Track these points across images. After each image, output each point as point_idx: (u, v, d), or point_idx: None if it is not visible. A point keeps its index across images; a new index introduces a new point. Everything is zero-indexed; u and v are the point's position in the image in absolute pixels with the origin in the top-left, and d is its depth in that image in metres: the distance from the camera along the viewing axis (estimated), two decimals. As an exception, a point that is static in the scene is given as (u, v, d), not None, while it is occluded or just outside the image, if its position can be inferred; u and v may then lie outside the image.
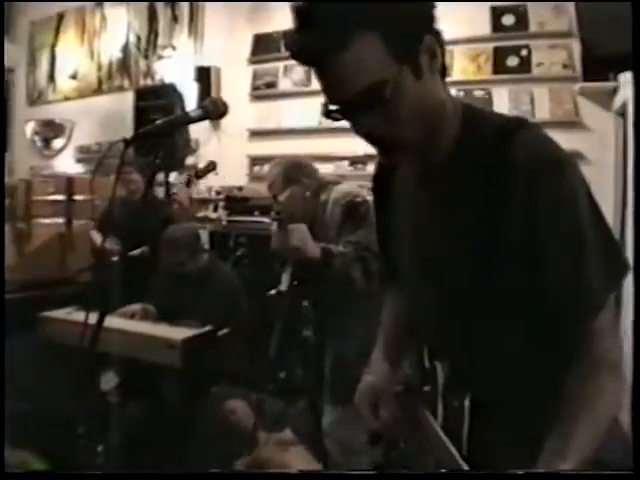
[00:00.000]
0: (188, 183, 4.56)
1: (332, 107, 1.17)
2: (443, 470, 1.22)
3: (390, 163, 1.40)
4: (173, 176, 5.66)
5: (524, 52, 5.41)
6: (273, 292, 2.45)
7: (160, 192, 5.02)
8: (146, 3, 7.53)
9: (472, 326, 1.25)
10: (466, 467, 1.14)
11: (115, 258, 3.27)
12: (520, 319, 1.19)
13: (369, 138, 1.18)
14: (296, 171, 2.94)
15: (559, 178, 1.11)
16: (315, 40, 1.08)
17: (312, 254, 2.52)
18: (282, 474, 1.77)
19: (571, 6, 5.20)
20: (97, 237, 4.34)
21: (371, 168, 5.53)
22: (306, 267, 2.51)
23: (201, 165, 4.76)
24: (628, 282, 1.34)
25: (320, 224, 2.82)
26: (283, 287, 2.44)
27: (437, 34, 1.15)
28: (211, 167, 4.58)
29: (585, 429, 1.08)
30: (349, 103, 1.12)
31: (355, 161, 5.73)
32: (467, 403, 1.24)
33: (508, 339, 1.21)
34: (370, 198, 1.98)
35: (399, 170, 1.42)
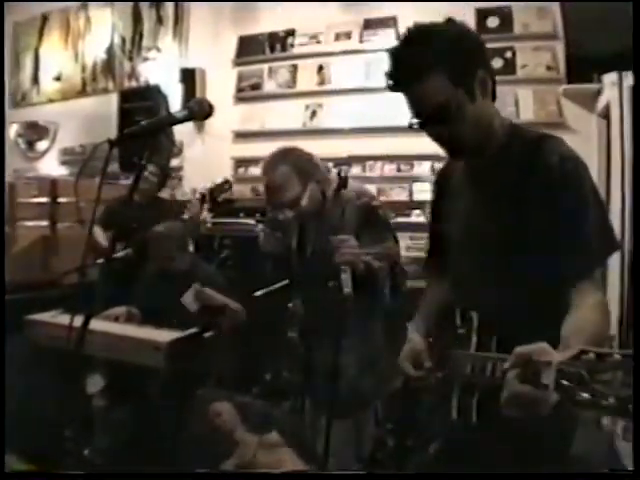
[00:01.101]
0: (203, 199, 4.53)
1: (414, 121, 1.62)
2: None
3: (454, 159, 1.81)
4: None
5: (508, 54, 5.45)
6: (344, 294, 2.28)
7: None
8: (131, 5, 7.52)
9: (501, 283, 1.65)
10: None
11: (100, 260, 3.25)
12: (534, 283, 1.58)
13: (438, 141, 1.64)
14: (308, 164, 2.61)
15: (573, 170, 1.55)
16: (405, 76, 1.57)
17: (358, 270, 2.33)
18: (276, 474, 1.79)
19: (556, 8, 5.24)
20: (102, 236, 4.27)
21: (355, 170, 5.51)
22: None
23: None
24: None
25: (326, 222, 2.56)
26: (347, 289, 2.23)
27: (488, 67, 1.63)
28: (227, 186, 4.54)
29: (582, 331, 1.41)
30: (427, 117, 1.59)
31: (339, 163, 5.74)
32: (494, 341, 1.61)
33: (525, 298, 1.60)
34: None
35: (457, 169, 1.85)
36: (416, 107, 1.60)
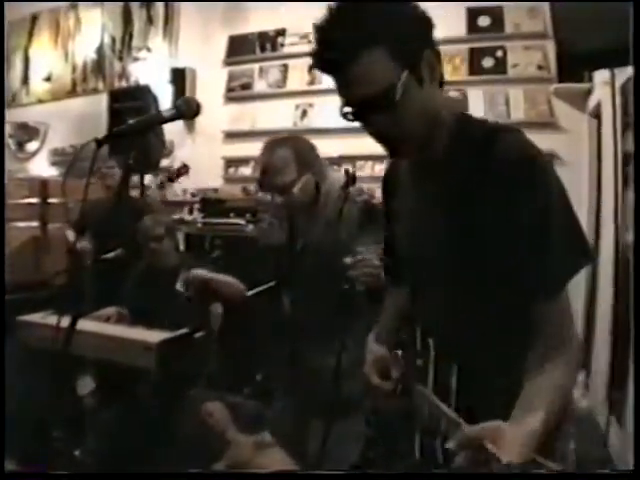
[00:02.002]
0: (161, 186, 4.53)
1: (347, 109, 1.36)
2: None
3: (396, 157, 1.61)
4: (148, 178, 5.64)
5: (499, 53, 5.46)
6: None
7: (135, 194, 4.99)
8: (120, 5, 7.50)
9: (458, 307, 1.45)
10: (460, 420, 1.25)
11: (89, 261, 3.25)
12: (495, 301, 1.38)
13: (377, 136, 1.38)
14: (310, 154, 2.54)
15: (534, 172, 1.30)
16: (334, 53, 1.29)
17: (376, 286, 2.16)
18: (270, 474, 1.77)
19: (546, 7, 5.25)
20: (71, 236, 4.30)
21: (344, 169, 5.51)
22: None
23: (176, 167, 4.70)
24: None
25: (321, 214, 2.51)
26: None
27: (435, 50, 1.38)
28: (183, 170, 4.54)
29: (547, 389, 1.27)
30: (363, 105, 1.32)
31: (330, 162, 5.74)
32: (455, 370, 1.42)
33: (485, 318, 1.40)
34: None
35: (403, 169, 1.63)
36: (351, 93, 1.32)
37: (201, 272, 3.39)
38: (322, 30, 1.32)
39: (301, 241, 2.63)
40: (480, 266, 1.37)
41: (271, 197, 2.55)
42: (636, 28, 2.58)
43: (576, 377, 1.35)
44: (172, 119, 1.61)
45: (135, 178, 5.02)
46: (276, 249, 2.81)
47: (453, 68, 5.53)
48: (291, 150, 2.48)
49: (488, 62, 5.46)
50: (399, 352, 1.65)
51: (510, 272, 1.32)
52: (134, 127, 1.59)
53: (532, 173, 1.30)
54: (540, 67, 5.30)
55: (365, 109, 1.33)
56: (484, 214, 1.34)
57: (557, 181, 1.33)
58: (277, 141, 2.54)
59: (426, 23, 1.37)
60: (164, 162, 6.46)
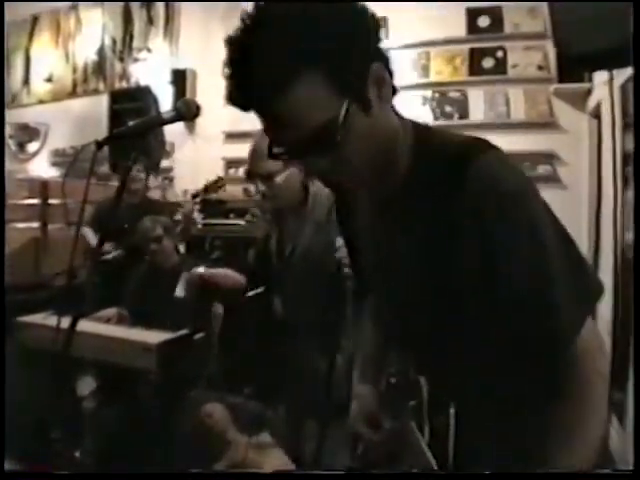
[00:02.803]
0: (194, 197, 4.51)
1: (277, 150, 1.11)
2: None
3: (345, 199, 1.38)
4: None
5: (499, 54, 5.45)
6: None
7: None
8: (121, 5, 7.49)
9: (443, 344, 1.22)
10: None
11: (88, 262, 3.24)
12: (487, 346, 1.14)
13: (322, 178, 1.15)
14: None
15: (516, 211, 1.06)
16: (253, 83, 1.02)
17: None
18: (270, 474, 1.77)
19: (546, 8, 5.25)
20: (91, 236, 4.27)
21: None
22: None
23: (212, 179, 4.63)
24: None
25: (311, 216, 2.50)
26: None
27: (384, 57, 1.09)
28: (221, 183, 4.52)
29: (576, 451, 1.07)
30: (297, 145, 1.05)
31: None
32: (452, 413, 1.21)
33: (480, 362, 1.17)
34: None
35: (357, 200, 1.37)
36: (280, 134, 1.07)
37: (198, 270, 3.40)
38: (235, 54, 1.06)
39: (290, 244, 2.62)
40: (458, 307, 1.14)
41: (255, 186, 2.55)
42: (636, 28, 2.58)
43: (607, 425, 1.15)
44: (172, 121, 1.61)
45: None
46: (263, 251, 2.77)
47: (453, 69, 5.52)
48: None
49: (488, 62, 5.46)
50: (393, 381, 1.46)
51: (506, 326, 1.09)
52: (134, 129, 1.59)
53: (511, 213, 1.06)
54: (540, 67, 5.30)
55: (300, 151, 1.07)
56: (457, 251, 1.09)
57: (544, 215, 1.09)
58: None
59: (370, 27, 1.07)
60: (164, 163, 6.48)
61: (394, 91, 1.13)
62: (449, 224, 1.09)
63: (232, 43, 1.05)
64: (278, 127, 1.05)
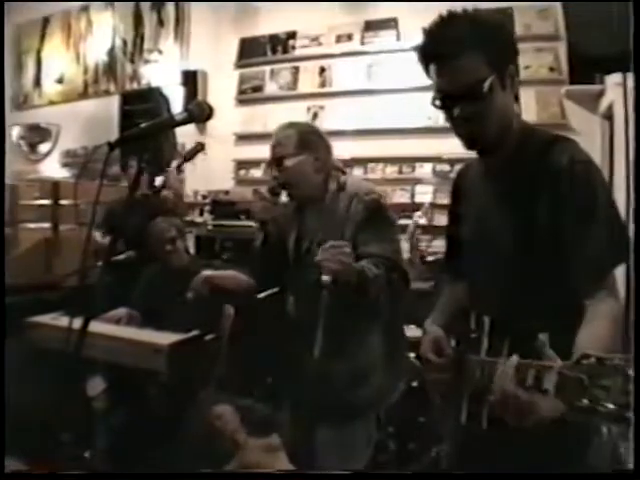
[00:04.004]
0: (179, 167, 4.50)
1: (437, 96, 1.60)
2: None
3: (471, 149, 1.70)
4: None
5: (511, 55, 5.43)
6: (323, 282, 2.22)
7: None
8: (132, 7, 7.52)
9: (513, 286, 1.65)
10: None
11: (99, 263, 3.24)
12: (547, 288, 1.58)
13: (461, 125, 1.60)
14: (314, 138, 2.65)
15: (582, 172, 1.55)
16: (442, 47, 1.55)
17: (349, 277, 2.23)
18: (275, 474, 1.77)
19: (557, 9, 5.23)
20: (100, 237, 4.27)
21: (357, 172, 5.49)
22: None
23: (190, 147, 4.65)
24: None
25: (329, 213, 2.54)
26: (325, 293, 2.19)
27: (517, 66, 1.62)
28: (199, 147, 4.50)
29: (603, 329, 1.45)
30: (455, 94, 1.55)
31: (344, 164, 5.75)
32: (507, 342, 1.55)
33: (537, 302, 1.59)
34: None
35: (474, 169, 1.85)
36: (448, 82, 1.57)
37: (205, 273, 3.40)
38: (435, 28, 1.58)
39: (307, 240, 2.64)
40: (534, 257, 1.59)
41: (270, 170, 2.72)
42: (636, 28, 2.57)
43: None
44: (184, 122, 1.61)
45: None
46: (276, 245, 2.77)
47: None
48: (295, 130, 2.63)
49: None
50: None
51: (560, 264, 1.54)
52: (146, 130, 1.60)
53: (581, 177, 1.53)
54: (551, 69, 5.28)
55: (456, 98, 1.56)
56: (539, 213, 1.57)
57: (603, 184, 1.59)
58: (288, 124, 2.72)
59: (514, 41, 1.66)
60: (175, 164, 6.49)
61: (517, 98, 1.70)
62: (538, 185, 1.58)
63: (433, 24, 1.59)
64: (449, 76, 1.56)
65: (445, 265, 2.12)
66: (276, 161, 2.61)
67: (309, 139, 2.62)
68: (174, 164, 4.38)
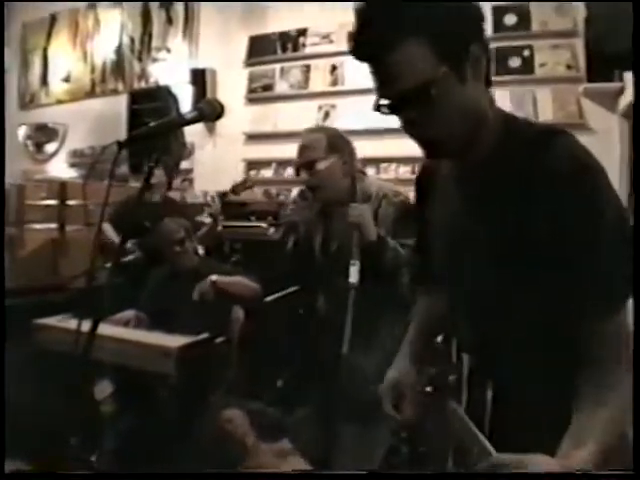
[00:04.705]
0: (223, 197, 4.52)
1: (382, 102, 1.30)
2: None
3: (431, 159, 1.49)
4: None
5: (526, 52, 5.42)
6: (349, 284, 2.38)
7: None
8: (140, 5, 7.55)
9: (500, 321, 1.37)
10: (495, 453, 1.19)
11: (107, 264, 3.26)
12: (543, 318, 1.30)
13: (413, 134, 1.31)
14: (341, 142, 2.77)
15: (587, 184, 1.22)
16: (372, 40, 1.24)
17: (369, 235, 2.46)
18: (281, 474, 1.78)
19: (575, 5, 5.21)
20: (113, 234, 4.28)
21: (369, 172, 5.48)
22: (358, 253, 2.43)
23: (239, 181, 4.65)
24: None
25: None
26: (353, 279, 2.36)
27: (485, 45, 1.29)
28: (248, 184, 4.55)
29: (600, 422, 1.17)
30: (399, 99, 1.26)
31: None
32: (490, 393, 1.37)
33: (532, 335, 1.33)
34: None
35: (439, 172, 1.54)
36: (387, 85, 1.27)
37: (211, 278, 3.41)
38: (361, 15, 1.27)
39: (336, 242, 2.78)
40: (524, 278, 1.29)
41: (299, 175, 2.79)
42: (636, 28, 2.57)
43: (629, 411, 1.23)
44: (194, 121, 1.61)
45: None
46: (305, 250, 2.89)
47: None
48: (324, 134, 2.75)
49: (515, 62, 5.42)
50: (429, 389, 1.59)
51: (560, 286, 1.25)
52: (156, 129, 1.60)
53: (585, 187, 1.22)
54: (569, 66, 5.26)
55: (401, 103, 1.27)
56: (531, 223, 1.26)
57: (611, 192, 1.26)
58: (315, 128, 2.90)
59: (474, 16, 1.30)
60: (184, 164, 6.52)
61: (489, 81, 1.34)
62: (527, 196, 1.27)
63: (359, 12, 1.27)
64: (387, 78, 1.25)
65: (415, 275, 2.01)
66: (306, 165, 2.71)
67: (337, 142, 2.74)
68: (217, 194, 4.39)
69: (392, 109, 1.30)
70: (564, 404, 1.21)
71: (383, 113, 1.32)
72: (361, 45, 1.27)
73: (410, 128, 1.30)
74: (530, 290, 1.29)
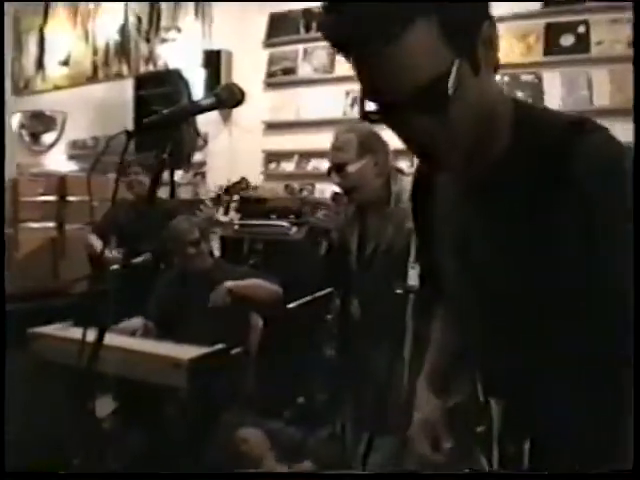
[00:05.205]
0: (217, 200, 4.57)
1: (370, 106, 1.13)
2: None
3: (433, 171, 1.36)
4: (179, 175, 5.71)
5: (581, 29, 5.34)
6: (399, 291, 2.45)
7: (164, 192, 5.08)
8: (147, -21, 7.58)
9: (528, 358, 1.24)
10: None
11: (115, 267, 3.30)
12: (576, 360, 1.17)
13: (415, 144, 1.14)
14: (374, 141, 2.88)
15: (620, 195, 1.06)
16: (361, 24, 1.00)
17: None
18: (281, 474, 1.80)
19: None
20: (97, 243, 4.37)
21: (405, 165, 5.49)
22: None
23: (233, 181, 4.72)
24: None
25: (393, 217, 2.81)
26: (413, 281, 2.43)
27: (493, 20, 1.10)
28: (244, 185, 4.61)
29: None
30: (398, 103, 1.06)
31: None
32: (526, 447, 1.23)
33: (570, 373, 1.19)
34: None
35: (441, 177, 1.37)
36: (383, 86, 1.06)
37: (227, 284, 3.45)
38: None
39: (372, 244, 2.88)
40: (553, 317, 1.16)
41: (331, 177, 2.91)
42: (636, 28, 2.57)
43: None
44: (211, 108, 1.61)
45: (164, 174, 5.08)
46: (337, 251, 2.99)
47: (526, 47, 5.45)
48: (355, 133, 2.85)
49: (567, 40, 5.36)
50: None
51: (600, 327, 1.10)
52: (168, 118, 1.59)
53: (616, 197, 1.07)
54: (629, 44, 5.21)
55: (401, 108, 1.07)
56: (557, 248, 1.12)
57: None
58: (347, 127, 2.95)
59: None
60: (197, 156, 6.54)
61: (497, 65, 1.15)
62: (549, 206, 1.12)
63: None
64: (384, 79, 1.05)
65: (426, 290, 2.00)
66: (337, 167, 2.85)
67: (370, 143, 2.85)
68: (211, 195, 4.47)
69: (389, 115, 1.12)
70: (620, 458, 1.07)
71: (372, 121, 1.17)
72: (342, 28, 1.04)
73: (412, 137, 1.12)
74: (560, 315, 1.16)
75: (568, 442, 1.20)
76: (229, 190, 4.62)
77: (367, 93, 1.12)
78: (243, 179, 4.73)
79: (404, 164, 5.78)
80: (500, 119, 1.18)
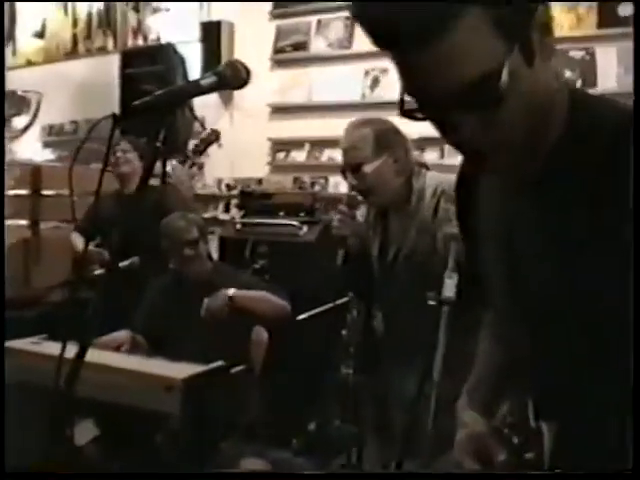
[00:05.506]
0: (184, 161, 4.56)
1: (409, 101, 1.15)
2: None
3: (481, 171, 1.39)
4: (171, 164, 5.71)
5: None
6: (431, 302, 2.47)
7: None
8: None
9: (583, 377, 1.25)
10: None
11: (98, 271, 3.31)
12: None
13: (465, 145, 1.18)
14: (392, 135, 2.91)
15: None
16: (410, 16, 1.03)
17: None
18: (280, 474, 1.81)
19: None
20: (79, 242, 4.37)
21: (430, 156, 5.46)
22: None
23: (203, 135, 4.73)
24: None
25: (415, 217, 2.85)
26: (449, 293, 2.43)
27: (547, 4, 1.12)
28: (213, 137, 4.59)
29: None
30: (445, 100, 1.09)
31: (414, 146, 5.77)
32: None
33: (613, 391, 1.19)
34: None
35: (488, 176, 1.40)
36: (430, 82, 1.09)
37: (228, 292, 3.45)
38: None
39: (394, 248, 2.90)
40: (613, 317, 1.14)
41: (346, 178, 2.93)
42: (636, 28, 2.59)
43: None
44: (212, 89, 1.61)
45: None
46: (356, 254, 3.01)
47: (577, 19, 5.45)
48: (371, 129, 2.85)
49: (626, 9, 5.32)
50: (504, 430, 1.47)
51: None
52: (162, 100, 1.59)
53: None
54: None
55: (447, 106, 1.11)
56: (616, 254, 1.11)
57: None
58: (360, 121, 2.95)
59: None
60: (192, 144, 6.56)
61: (552, 51, 1.16)
62: (609, 207, 1.12)
63: None
64: (430, 74, 1.08)
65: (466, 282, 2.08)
66: (352, 167, 2.85)
67: (387, 139, 2.86)
68: (181, 158, 4.46)
69: (434, 112, 1.15)
70: None
71: (415, 120, 1.18)
72: (402, 35, 1.05)
73: (461, 136, 1.14)
74: (617, 328, 1.14)
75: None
76: (197, 148, 4.63)
77: (408, 90, 1.15)
78: (213, 131, 4.72)
79: (433, 155, 5.82)
80: (556, 108, 1.19)
